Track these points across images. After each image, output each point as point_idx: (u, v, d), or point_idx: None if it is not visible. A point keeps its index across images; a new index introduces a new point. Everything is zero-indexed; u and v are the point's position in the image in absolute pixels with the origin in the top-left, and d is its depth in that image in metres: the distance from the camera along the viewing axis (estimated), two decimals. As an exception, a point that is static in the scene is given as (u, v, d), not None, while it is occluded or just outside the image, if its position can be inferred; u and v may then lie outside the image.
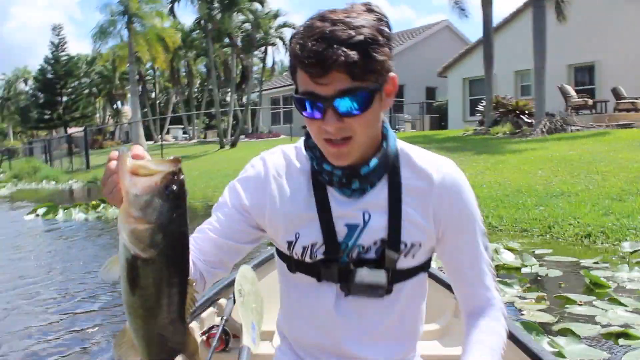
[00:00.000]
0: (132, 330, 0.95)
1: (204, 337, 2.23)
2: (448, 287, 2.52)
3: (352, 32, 1.10)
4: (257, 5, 29.06)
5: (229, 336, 2.20)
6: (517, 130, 16.42)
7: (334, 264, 1.29)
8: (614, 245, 6.16)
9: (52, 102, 49.41)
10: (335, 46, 1.09)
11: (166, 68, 40.17)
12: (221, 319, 2.18)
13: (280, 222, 1.31)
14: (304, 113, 1.19)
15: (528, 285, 4.82)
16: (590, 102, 18.64)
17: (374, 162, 1.26)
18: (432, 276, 2.63)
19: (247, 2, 27.30)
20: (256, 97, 36.53)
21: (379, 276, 1.27)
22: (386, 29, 1.17)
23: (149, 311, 0.91)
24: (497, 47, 18.93)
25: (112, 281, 0.93)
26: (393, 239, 1.27)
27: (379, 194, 1.28)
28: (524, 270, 5.34)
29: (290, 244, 1.31)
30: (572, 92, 18.88)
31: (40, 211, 11.80)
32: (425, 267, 1.36)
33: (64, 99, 49.92)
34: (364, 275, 1.27)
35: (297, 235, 1.30)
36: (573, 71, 21.85)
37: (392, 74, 1.20)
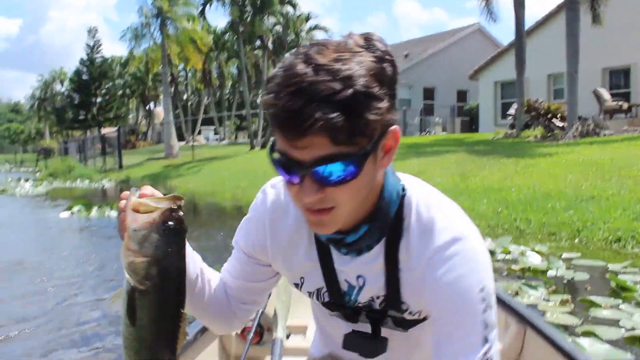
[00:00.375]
0: None
1: (239, 331, 2.27)
2: None
3: (338, 86, 0.89)
4: (288, 8, 29.26)
5: (262, 329, 2.23)
6: (549, 134, 16.23)
7: (340, 308, 1.22)
8: (644, 250, 6.08)
9: (86, 102, 50.44)
10: (314, 104, 0.88)
11: (199, 69, 40.67)
12: (256, 313, 2.20)
13: (282, 266, 1.25)
14: (282, 176, 1.01)
15: (553, 287, 4.81)
16: (625, 106, 18.30)
17: (362, 229, 1.08)
18: None
19: (278, 4, 27.48)
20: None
21: (369, 346, 1.21)
22: (388, 71, 0.97)
23: (142, 343, 0.94)
24: (529, 50, 18.71)
25: (116, 310, 0.96)
26: (391, 299, 1.15)
27: (375, 260, 1.13)
28: (550, 273, 5.32)
29: (297, 286, 1.26)
30: (607, 96, 18.59)
31: (76, 209, 12.09)
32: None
33: (99, 99, 50.95)
34: (356, 341, 1.22)
35: (302, 280, 1.24)
36: (608, 74, 21.46)
37: (393, 128, 1.00)
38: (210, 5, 27.19)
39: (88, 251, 8.07)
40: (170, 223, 0.91)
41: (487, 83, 25.85)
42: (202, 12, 28.00)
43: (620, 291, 4.61)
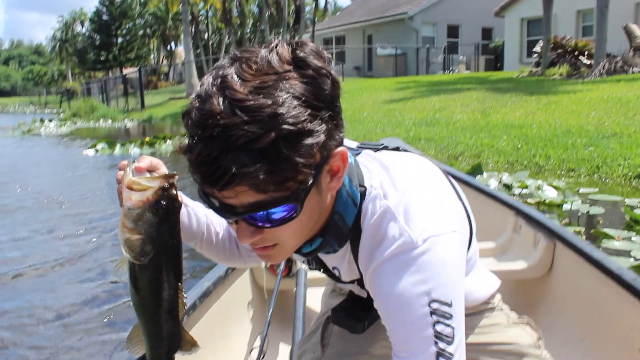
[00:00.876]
0: (139, 325, 1.03)
1: (268, 264, 2.35)
2: (506, 204, 2.63)
3: (257, 130, 0.77)
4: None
5: (291, 262, 2.29)
6: (575, 72, 15.88)
7: (334, 277, 1.22)
8: (664, 185, 6.04)
9: (107, 43, 50.40)
10: (230, 154, 0.78)
11: (219, 8, 40.13)
12: None
13: None
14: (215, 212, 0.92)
15: (567, 220, 4.82)
16: (657, 42, 17.72)
17: (317, 242, 1.03)
18: (489, 195, 2.77)
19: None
20: (309, 38, 36.28)
21: (354, 321, 1.24)
22: (326, 88, 0.83)
23: (147, 309, 0.99)
24: (559, -15, 18.10)
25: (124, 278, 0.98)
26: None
27: (343, 257, 1.11)
28: (565, 206, 5.31)
29: None
30: (638, 32, 18.00)
31: (99, 146, 12.29)
32: None
33: (119, 40, 50.84)
34: (341, 314, 1.27)
35: None
36: (641, 9, 20.74)
37: (338, 150, 0.88)
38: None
39: (111, 185, 8.24)
40: (162, 202, 0.92)
41: (513, 20, 25.17)
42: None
43: (635, 224, 4.60)
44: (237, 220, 0.89)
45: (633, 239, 4.27)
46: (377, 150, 1.11)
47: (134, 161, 0.97)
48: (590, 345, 1.88)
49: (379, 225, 0.97)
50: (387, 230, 0.96)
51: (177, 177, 0.93)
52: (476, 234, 1.18)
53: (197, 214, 1.24)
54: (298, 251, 1.04)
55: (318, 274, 2.22)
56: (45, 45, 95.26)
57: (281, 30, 34.42)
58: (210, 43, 53.68)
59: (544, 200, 5.49)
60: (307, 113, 0.79)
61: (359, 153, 1.09)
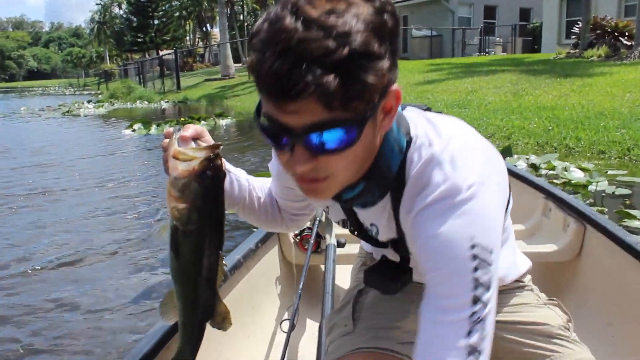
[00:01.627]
0: (175, 292, 1.05)
1: (297, 239, 2.41)
2: (536, 186, 2.63)
3: (333, 44, 0.78)
4: None
5: (320, 238, 2.31)
6: (614, 54, 15.57)
7: (369, 238, 1.21)
8: (695, 168, 5.99)
9: (144, 25, 50.80)
10: (304, 66, 0.77)
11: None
12: (313, 222, 2.30)
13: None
14: (269, 143, 0.92)
15: (591, 200, 4.86)
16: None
17: (359, 187, 1.02)
18: (519, 177, 2.75)
19: None
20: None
21: (389, 283, 1.21)
22: (390, 24, 0.84)
23: (186, 276, 1.01)
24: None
25: (164, 244, 1.02)
26: (402, 244, 1.11)
27: (383, 211, 1.09)
28: (591, 187, 5.34)
29: (325, 212, 1.28)
30: (682, 12, 17.50)
31: (136, 126, 12.64)
32: None
33: (156, 22, 51.18)
34: (377, 276, 1.24)
35: (327, 208, 1.24)
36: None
37: (394, 87, 0.89)
38: None
39: (149, 164, 8.50)
40: (208, 172, 0.94)
41: (551, 0, 24.70)
42: None
43: (660, 205, 4.63)
44: (293, 148, 0.86)
45: (656, 219, 4.31)
46: (421, 109, 1.12)
47: (179, 129, 0.99)
48: (618, 330, 1.88)
49: (424, 172, 0.97)
50: (432, 176, 0.95)
51: (221, 147, 0.95)
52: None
53: (239, 179, 1.27)
54: (339, 199, 1.04)
55: (347, 251, 2.29)
56: (84, 27, 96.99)
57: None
58: (245, 25, 53.88)
59: (570, 181, 5.52)
60: (375, 39, 0.80)
61: (405, 108, 1.08)
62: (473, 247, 0.90)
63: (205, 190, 0.94)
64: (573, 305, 1.98)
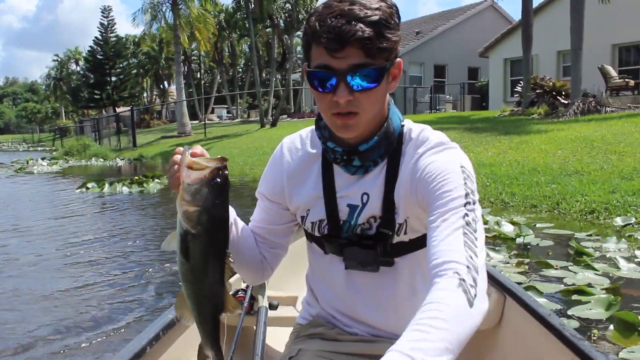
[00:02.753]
0: (185, 293, 1.17)
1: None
2: None
3: (369, 12, 1.18)
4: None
5: (253, 299, 2.33)
6: (553, 112, 16.42)
7: (335, 240, 1.41)
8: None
9: (101, 82, 50.91)
10: (353, 22, 1.16)
11: (210, 49, 40.98)
12: (247, 285, 2.35)
13: (295, 200, 1.46)
14: (317, 87, 1.25)
15: (515, 252, 5.25)
16: (631, 82, 18.31)
17: (374, 140, 1.32)
18: None
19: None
20: (299, 77, 37.04)
21: (368, 254, 1.38)
22: (396, 17, 1.25)
23: (196, 276, 1.13)
24: (540, 27, 18.73)
25: (171, 251, 1.16)
26: (386, 218, 1.35)
27: (378, 175, 1.36)
28: (519, 240, 5.74)
29: (303, 219, 1.46)
30: (613, 73, 18.60)
31: (90, 185, 12.71)
32: (425, 241, 1.28)
33: (113, 79, 51.38)
34: (355, 252, 1.39)
35: (308, 212, 1.44)
36: (617, 51, 21.48)
37: (398, 59, 1.29)
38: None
39: (100, 220, 8.60)
40: (217, 179, 1.09)
41: (496, 60, 25.91)
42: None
43: (576, 256, 5.02)
44: (337, 86, 1.21)
45: (570, 267, 4.70)
46: None
47: (189, 148, 1.15)
48: None
49: (420, 134, 1.35)
50: (427, 135, 1.34)
51: (227, 161, 1.13)
52: None
53: (236, 218, 1.44)
54: (355, 151, 1.33)
55: (279, 313, 2.32)
56: (40, 83, 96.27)
57: (271, 70, 35.12)
58: (202, 82, 54.56)
59: (500, 234, 5.92)
60: (391, 17, 1.23)
61: None
62: (462, 166, 1.24)
63: (215, 194, 1.09)
64: None
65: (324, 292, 1.52)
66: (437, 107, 28.52)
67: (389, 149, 1.35)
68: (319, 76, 1.23)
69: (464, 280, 1.03)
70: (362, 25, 1.17)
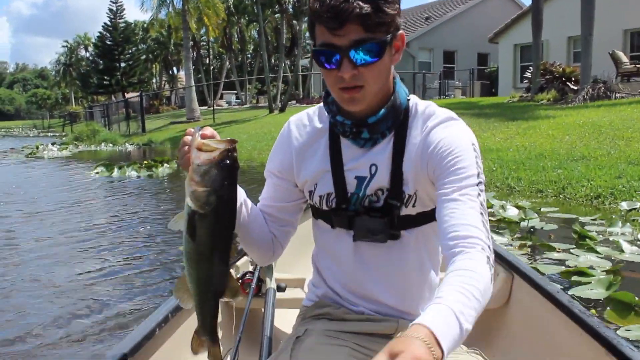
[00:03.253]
0: (187, 274, 1.18)
1: (239, 283, 2.40)
2: None
3: None
4: (306, -28, 29.27)
5: (261, 282, 2.35)
6: (562, 98, 16.37)
7: (343, 212, 1.43)
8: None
9: (110, 68, 50.98)
10: (350, 0, 1.21)
11: (219, 35, 40.93)
12: (255, 267, 2.38)
13: (303, 175, 1.48)
14: (322, 64, 1.30)
15: (518, 235, 5.30)
16: (642, 68, 18.19)
17: (381, 112, 1.35)
18: None
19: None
20: (308, 63, 36.95)
21: (377, 222, 1.40)
22: None
23: (201, 255, 1.15)
24: (550, 12, 18.61)
25: (177, 230, 1.18)
26: (395, 189, 1.38)
27: (386, 147, 1.39)
28: (523, 224, 5.78)
29: (310, 193, 1.48)
30: (624, 59, 18.47)
31: (99, 169, 12.85)
32: (433, 216, 1.35)
33: (122, 65, 51.42)
34: (365, 221, 1.40)
35: (315, 186, 1.46)
36: (629, 36, 21.30)
37: (400, 31, 1.31)
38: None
39: (111, 204, 8.71)
40: (227, 161, 1.11)
41: (506, 46, 25.77)
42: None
43: (579, 239, 5.06)
44: (341, 62, 1.26)
45: (572, 250, 4.75)
46: None
47: (199, 129, 1.16)
48: None
49: (426, 108, 1.40)
50: (434, 109, 1.39)
51: (237, 142, 1.14)
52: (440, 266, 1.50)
53: (246, 199, 1.45)
54: (364, 124, 1.36)
55: (287, 295, 2.35)
56: (49, 69, 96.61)
57: (279, 55, 35.08)
58: (211, 68, 54.55)
59: (504, 218, 5.96)
60: None
61: None
62: (472, 144, 1.31)
63: (223, 176, 1.11)
64: (502, 351, 2.15)
65: (331, 269, 1.52)
66: (447, 93, 28.40)
67: (396, 121, 1.39)
68: (324, 53, 1.28)
69: (489, 258, 1.12)
70: (359, 2, 1.21)
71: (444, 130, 1.33)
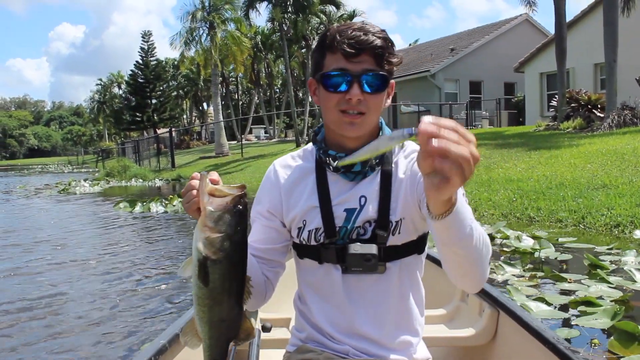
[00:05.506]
0: (198, 318, 1.17)
1: None
2: None
3: (378, 29, 1.44)
4: (331, 8, 29.79)
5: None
6: (588, 125, 16.21)
7: (332, 246, 1.50)
8: (639, 234, 6.41)
9: (142, 104, 52.28)
10: (369, 35, 1.40)
11: (246, 71, 41.65)
12: None
13: (292, 213, 1.54)
14: (331, 88, 1.44)
15: (530, 265, 5.27)
16: (670, 94, 17.93)
17: None
18: (438, 262, 2.79)
19: (319, 5, 28.06)
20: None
21: (369, 248, 1.46)
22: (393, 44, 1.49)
23: (214, 300, 1.14)
24: (576, 40, 18.56)
25: (187, 277, 1.17)
26: (382, 218, 1.47)
27: (374, 179, 1.50)
28: (537, 254, 5.74)
29: (299, 230, 1.54)
30: (651, 83, 18.29)
31: (122, 205, 13.28)
32: (416, 248, 1.54)
33: (153, 101, 52.72)
34: (356, 247, 1.46)
35: (304, 222, 1.53)
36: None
37: (392, 80, 1.49)
38: (252, 9, 27.93)
39: (130, 238, 8.88)
40: (239, 207, 1.12)
41: (532, 75, 25.72)
42: (247, 15, 28.75)
43: (592, 268, 5.01)
44: (351, 85, 1.41)
45: (583, 280, 4.71)
46: None
47: (206, 174, 1.16)
48: None
49: (408, 144, 1.54)
50: (413, 146, 1.53)
51: (246, 188, 1.16)
52: (428, 302, 1.68)
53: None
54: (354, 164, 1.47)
55: (272, 335, 2.35)
56: (84, 106, 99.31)
57: (306, 89, 35.46)
58: (240, 103, 55.42)
59: (517, 249, 5.94)
60: (390, 43, 1.46)
61: None
62: None
63: (237, 221, 1.12)
64: None
65: (319, 305, 1.56)
66: (474, 124, 28.32)
67: (383, 156, 1.51)
68: (335, 77, 1.43)
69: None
70: (375, 38, 1.41)
71: None
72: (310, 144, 1.63)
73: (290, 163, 1.61)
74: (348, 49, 1.39)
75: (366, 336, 1.51)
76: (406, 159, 1.53)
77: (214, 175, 1.17)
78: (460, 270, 1.26)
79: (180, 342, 2.01)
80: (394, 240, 1.48)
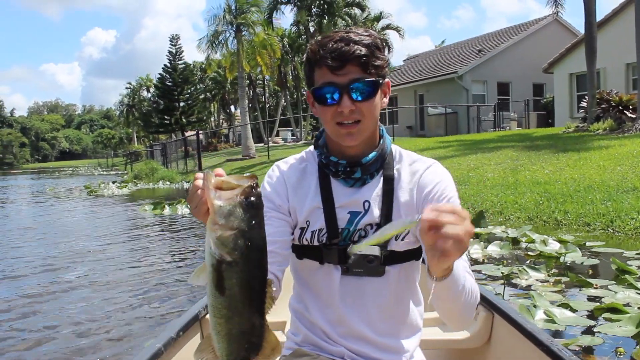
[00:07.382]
0: (215, 332, 1.02)
1: None
2: None
3: (362, 37, 1.42)
4: (356, 10, 29.73)
5: None
6: (619, 127, 15.87)
7: (334, 246, 1.51)
8: (671, 238, 6.23)
9: (170, 107, 52.74)
10: (351, 44, 1.40)
11: (276, 72, 41.76)
12: None
13: (298, 210, 1.56)
14: (324, 101, 1.45)
15: (555, 270, 5.14)
16: None
17: (373, 154, 1.51)
18: None
19: (344, 8, 28.03)
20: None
21: (372, 249, 1.48)
22: (383, 42, 1.50)
23: (233, 310, 0.99)
24: (607, 40, 18.18)
25: (201, 285, 1.03)
26: (386, 222, 1.47)
27: (376, 186, 1.52)
28: (562, 259, 5.61)
29: (302, 230, 1.55)
30: (685, 84, 17.85)
31: (148, 207, 13.45)
32: (415, 254, 1.56)
33: (181, 104, 53.13)
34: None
35: (308, 223, 1.54)
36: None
37: (387, 79, 1.50)
38: (277, 11, 28.01)
39: (156, 241, 8.95)
40: (252, 198, 0.97)
41: (561, 75, 25.29)
42: (270, 17, 28.81)
43: (620, 273, 4.87)
44: (341, 98, 1.42)
45: (609, 286, 4.57)
46: None
47: (210, 171, 1.02)
48: None
49: (408, 154, 1.60)
50: (414, 156, 1.60)
51: (257, 178, 1.02)
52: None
53: None
54: (357, 164, 1.51)
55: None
56: (114, 109, 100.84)
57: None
58: (267, 106, 55.63)
59: (542, 253, 5.81)
60: (380, 43, 1.47)
61: None
62: (454, 182, 1.56)
63: (250, 215, 0.97)
64: None
65: (317, 306, 1.57)
66: (502, 125, 27.97)
67: (383, 164, 1.54)
68: (324, 91, 1.44)
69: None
70: (358, 47, 1.40)
71: (433, 174, 1.53)
72: (312, 148, 1.64)
73: (292, 163, 1.63)
74: (332, 63, 1.41)
75: (362, 338, 1.53)
76: (409, 166, 1.57)
77: (219, 170, 1.06)
78: (449, 315, 1.40)
79: (176, 345, 2.08)
80: (395, 246, 1.51)
